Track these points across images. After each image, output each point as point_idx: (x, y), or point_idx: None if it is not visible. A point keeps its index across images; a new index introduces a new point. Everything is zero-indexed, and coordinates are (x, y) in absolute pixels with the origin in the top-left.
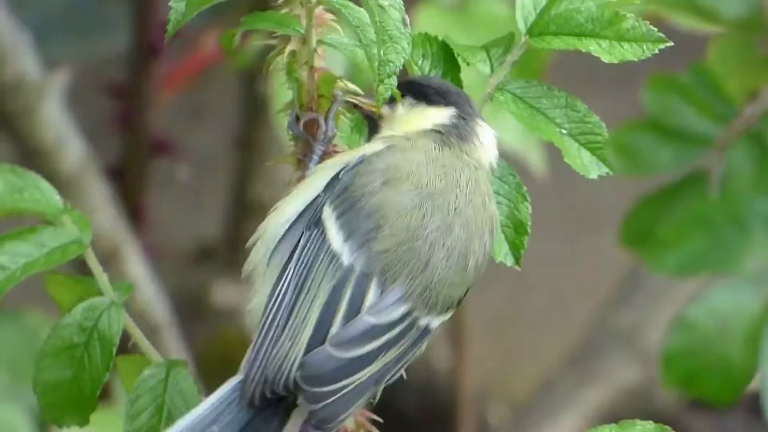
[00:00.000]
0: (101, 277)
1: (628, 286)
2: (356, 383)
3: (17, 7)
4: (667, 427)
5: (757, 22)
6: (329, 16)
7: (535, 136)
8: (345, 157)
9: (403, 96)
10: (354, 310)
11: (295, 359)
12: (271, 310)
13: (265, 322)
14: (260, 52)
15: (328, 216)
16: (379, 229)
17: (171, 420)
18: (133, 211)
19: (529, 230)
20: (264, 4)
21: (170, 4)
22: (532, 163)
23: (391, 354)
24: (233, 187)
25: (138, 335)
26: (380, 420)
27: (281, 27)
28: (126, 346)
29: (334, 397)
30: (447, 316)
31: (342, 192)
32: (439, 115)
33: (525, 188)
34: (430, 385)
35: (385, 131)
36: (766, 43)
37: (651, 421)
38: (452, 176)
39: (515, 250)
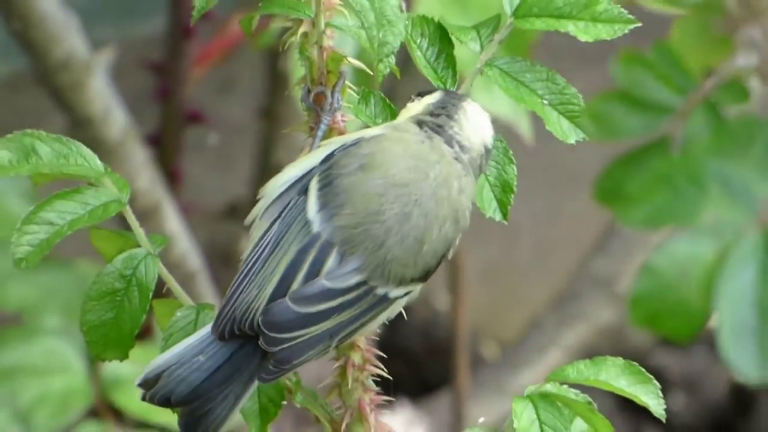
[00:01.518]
0: (139, 231)
1: (606, 238)
2: (310, 335)
3: None
4: (635, 363)
5: (714, 5)
6: (336, 1)
7: (520, 105)
8: (350, 136)
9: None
10: (314, 272)
11: (259, 306)
12: (250, 259)
13: (243, 269)
14: (280, 32)
15: (313, 187)
16: (343, 207)
17: None
18: (170, 173)
19: (515, 189)
20: None
21: None
22: (522, 129)
23: (346, 314)
24: (258, 151)
25: (171, 281)
26: (384, 356)
27: (294, 11)
28: (161, 292)
29: (289, 344)
30: (411, 288)
31: (329, 168)
32: (430, 98)
33: (511, 152)
34: (431, 324)
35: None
36: (722, 24)
37: (620, 358)
38: (422, 170)
39: (502, 206)
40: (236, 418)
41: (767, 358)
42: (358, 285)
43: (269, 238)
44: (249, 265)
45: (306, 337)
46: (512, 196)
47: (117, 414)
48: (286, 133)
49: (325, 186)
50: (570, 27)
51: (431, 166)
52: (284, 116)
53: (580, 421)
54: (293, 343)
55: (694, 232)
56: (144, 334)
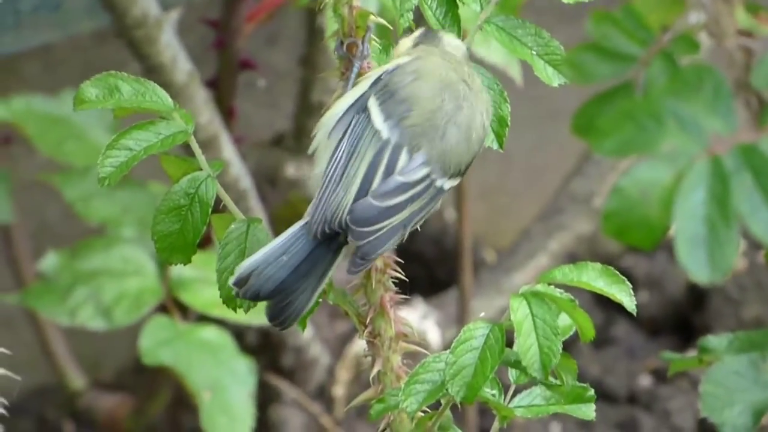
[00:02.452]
0: (201, 157)
1: (584, 163)
2: (390, 226)
3: None
4: (610, 267)
5: None
6: None
7: (513, 55)
8: (385, 67)
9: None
10: (389, 171)
11: (346, 205)
12: (330, 170)
13: (325, 179)
14: None
15: (372, 104)
16: (410, 110)
17: None
18: (225, 111)
19: (509, 123)
20: None
21: None
22: (513, 74)
23: (416, 205)
24: (298, 92)
25: (227, 199)
26: (402, 261)
27: None
28: (219, 208)
29: (374, 236)
30: (455, 182)
31: (383, 87)
32: (413, 35)
33: (506, 93)
34: (441, 234)
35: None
36: None
37: (598, 263)
38: (459, 72)
39: (499, 138)
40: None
41: (715, 264)
42: (424, 177)
43: (342, 150)
44: (330, 174)
45: (387, 228)
46: (507, 129)
47: (182, 309)
48: (322, 77)
49: (386, 100)
50: None
51: (462, 71)
52: (321, 63)
53: (564, 315)
54: (377, 234)
55: (654, 160)
56: (204, 243)
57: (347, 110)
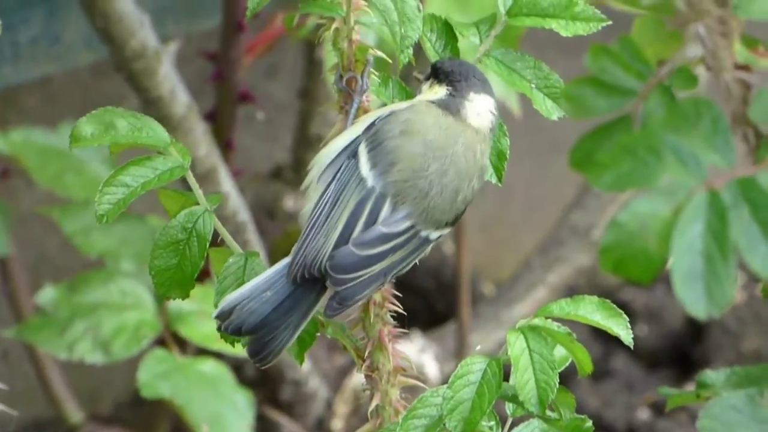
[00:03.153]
0: (198, 191)
1: (583, 196)
2: (369, 274)
3: None
4: (607, 300)
5: (667, 6)
6: (363, 2)
7: (512, 88)
8: (380, 111)
9: (432, 76)
10: (371, 220)
11: (326, 252)
12: (314, 214)
13: (309, 223)
14: (317, 26)
15: (362, 150)
16: (394, 165)
17: None
18: (224, 143)
19: (507, 157)
20: None
21: None
22: (512, 106)
23: (397, 255)
24: (297, 125)
25: (225, 233)
26: (401, 294)
27: (328, 11)
28: (217, 241)
29: (352, 283)
30: (445, 231)
31: (374, 134)
32: (438, 92)
33: (505, 127)
34: (440, 266)
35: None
36: (673, 22)
37: (595, 296)
38: (452, 136)
39: (498, 171)
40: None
41: (712, 298)
42: (407, 229)
43: (328, 195)
44: (314, 219)
45: (367, 276)
46: (506, 162)
47: (180, 342)
48: (321, 110)
49: (374, 148)
50: (553, 24)
51: (459, 134)
52: (319, 96)
53: (561, 348)
54: (355, 282)
55: (652, 193)
56: (203, 276)
57: (340, 153)
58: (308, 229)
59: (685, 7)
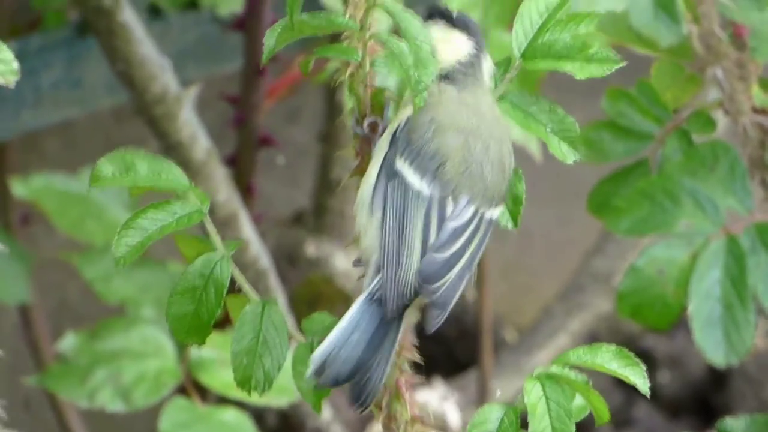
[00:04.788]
0: (216, 237)
1: (604, 241)
2: (456, 272)
3: (161, 40)
4: (624, 349)
5: (685, 50)
6: (379, 47)
7: (527, 132)
8: (393, 125)
9: (431, 17)
10: (441, 223)
11: (414, 271)
12: (386, 243)
13: (385, 253)
14: (336, 70)
15: (402, 165)
16: (444, 166)
17: (266, 343)
18: (245, 188)
19: (523, 202)
20: (334, 38)
21: (264, 40)
22: (532, 150)
23: (473, 244)
24: (318, 169)
25: (242, 280)
26: (420, 342)
27: (344, 55)
28: (235, 288)
29: (445, 287)
30: (501, 208)
31: (406, 146)
32: (466, 44)
33: (521, 171)
34: (461, 313)
35: None
36: (692, 65)
37: (614, 344)
38: (476, 111)
39: (514, 217)
40: None
41: (731, 345)
42: (474, 215)
43: (390, 221)
44: (388, 250)
45: (455, 275)
46: (521, 207)
47: (201, 391)
48: (341, 154)
49: (414, 159)
50: (568, 67)
51: (480, 103)
52: (341, 140)
53: (579, 397)
54: (447, 285)
55: (670, 239)
56: (224, 323)
57: (377, 179)
58: (387, 257)
59: (704, 50)
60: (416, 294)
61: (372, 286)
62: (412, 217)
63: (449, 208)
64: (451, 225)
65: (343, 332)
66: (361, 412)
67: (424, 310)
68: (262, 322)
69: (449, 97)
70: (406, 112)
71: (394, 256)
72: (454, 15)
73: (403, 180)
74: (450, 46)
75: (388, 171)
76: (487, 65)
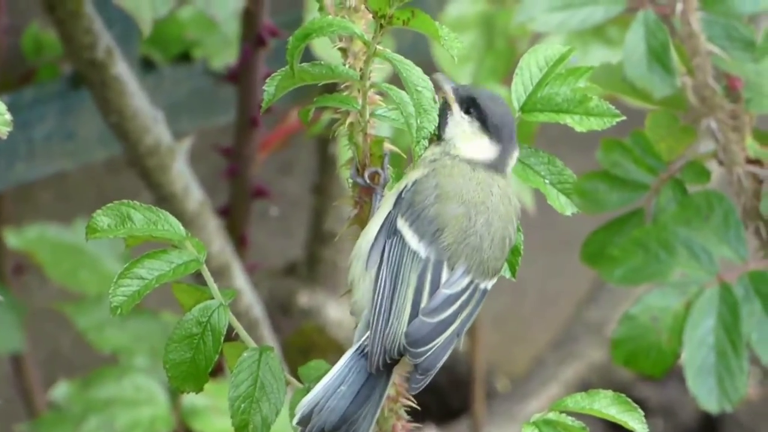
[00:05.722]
0: (213, 286)
1: (597, 291)
2: (444, 339)
3: (154, 92)
4: (622, 395)
5: (680, 102)
6: (378, 96)
7: (526, 184)
8: (401, 184)
9: (466, 108)
10: (434, 288)
11: (402, 332)
12: (377, 299)
13: (375, 309)
14: (330, 122)
15: (402, 225)
16: (441, 232)
17: (263, 389)
18: (238, 239)
19: (521, 252)
20: (332, 88)
21: (264, 87)
22: (525, 202)
23: (464, 313)
24: (312, 220)
25: (239, 328)
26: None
27: (343, 104)
28: (231, 336)
29: (430, 352)
30: (495, 279)
31: (408, 207)
32: (488, 150)
33: (519, 222)
34: (454, 362)
35: (438, 145)
36: (686, 117)
37: (610, 390)
38: (486, 189)
39: (512, 266)
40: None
41: (724, 393)
42: (468, 285)
43: (384, 277)
44: (379, 303)
45: (443, 341)
46: (519, 258)
47: None
48: (335, 206)
49: (415, 221)
50: (568, 120)
51: (491, 185)
52: (333, 192)
53: None
54: (433, 350)
55: (665, 287)
56: (216, 371)
57: (377, 236)
58: (377, 315)
59: (698, 101)
60: (401, 354)
61: (361, 340)
62: (407, 278)
63: (444, 275)
64: (445, 292)
65: (332, 383)
66: None
67: (410, 370)
68: (259, 368)
69: (460, 171)
70: (416, 174)
71: (383, 314)
72: (489, 115)
73: (402, 239)
74: (474, 145)
75: (389, 229)
76: (513, 161)
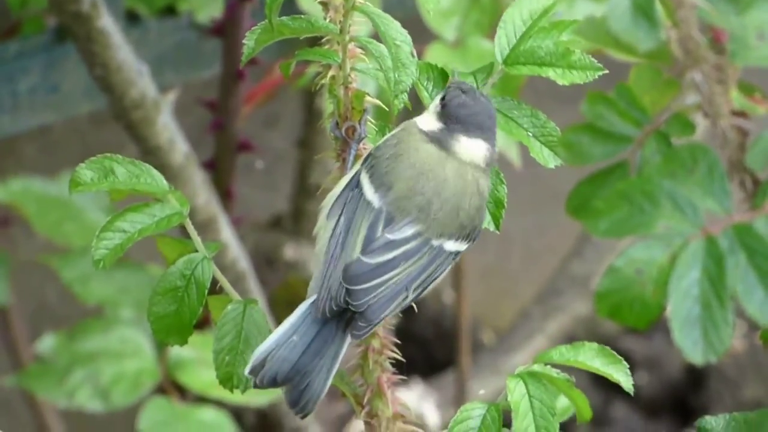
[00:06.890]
0: (197, 239)
1: (582, 245)
2: (386, 287)
3: (139, 46)
4: (607, 347)
5: (663, 54)
6: (359, 50)
7: (510, 137)
8: (376, 142)
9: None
10: (380, 232)
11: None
12: (330, 246)
13: (327, 255)
14: (315, 75)
15: (363, 178)
16: (392, 186)
17: (247, 341)
18: (223, 192)
19: (505, 205)
20: (314, 42)
21: (243, 41)
22: (511, 157)
23: (411, 264)
24: (296, 174)
25: (223, 281)
26: (401, 342)
27: (324, 58)
28: (215, 289)
29: (371, 297)
30: (462, 246)
31: (371, 161)
32: (432, 124)
33: (502, 174)
34: (440, 315)
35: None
36: (670, 70)
37: (595, 342)
38: (438, 161)
39: (495, 219)
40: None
41: (710, 344)
42: (414, 235)
43: (341, 226)
44: (332, 251)
45: (384, 290)
46: (503, 210)
47: (180, 390)
48: (319, 159)
49: (372, 175)
50: (550, 73)
51: (444, 160)
52: (318, 145)
53: (562, 397)
54: (375, 298)
55: (649, 240)
56: (202, 324)
57: (344, 189)
58: (327, 260)
59: (682, 54)
60: (348, 306)
61: (317, 290)
62: (358, 226)
63: (392, 224)
64: (387, 236)
65: (285, 333)
66: (302, 417)
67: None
68: (243, 320)
69: (427, 148)
70: (385, 138)
71: (333, 261)
72: (449, 98)
73: (361, 190)
74: (425, 118)
75: (354, 183)
76: (464, 144)
